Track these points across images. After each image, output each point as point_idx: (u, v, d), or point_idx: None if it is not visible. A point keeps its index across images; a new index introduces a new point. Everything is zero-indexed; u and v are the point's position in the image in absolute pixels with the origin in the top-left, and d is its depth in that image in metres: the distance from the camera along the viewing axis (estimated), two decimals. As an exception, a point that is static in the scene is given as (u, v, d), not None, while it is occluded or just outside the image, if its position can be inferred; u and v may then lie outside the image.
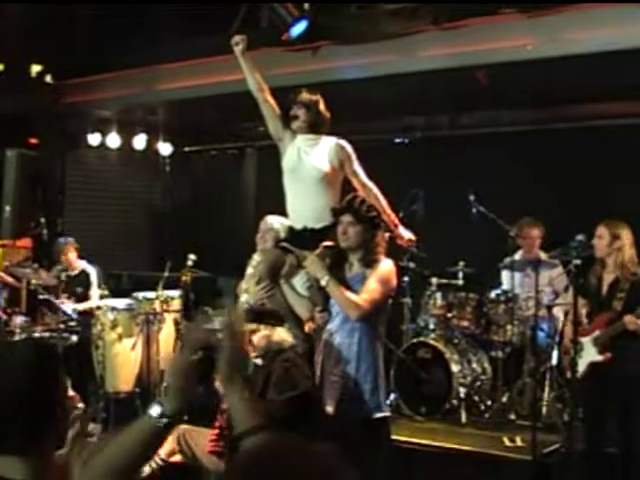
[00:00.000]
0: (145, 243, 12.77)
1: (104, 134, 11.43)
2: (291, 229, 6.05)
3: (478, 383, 8.11)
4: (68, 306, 9.10)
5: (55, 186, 11.43)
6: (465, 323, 8.31)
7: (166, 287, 8.59)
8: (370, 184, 5.80)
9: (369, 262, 5.07)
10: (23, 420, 2.24)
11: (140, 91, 10.13)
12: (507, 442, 7.03)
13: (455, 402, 7.85)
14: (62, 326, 8.45)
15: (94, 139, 11.40)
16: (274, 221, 6.80)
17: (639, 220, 6.41)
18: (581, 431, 6.32)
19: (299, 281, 5.75)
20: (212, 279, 10.06)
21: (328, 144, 5.84)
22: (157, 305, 8.54)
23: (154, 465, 5.75)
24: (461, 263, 8.57)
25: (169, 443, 5.84)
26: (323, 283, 5.03)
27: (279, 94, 6.05)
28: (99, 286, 9.58)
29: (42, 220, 10.05)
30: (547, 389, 7.60)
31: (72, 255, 9.58)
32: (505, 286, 8.29)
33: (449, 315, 8.31)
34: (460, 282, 8.52)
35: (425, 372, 7.97)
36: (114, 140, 11.49)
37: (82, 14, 10.53)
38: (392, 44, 8.04)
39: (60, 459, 2.47)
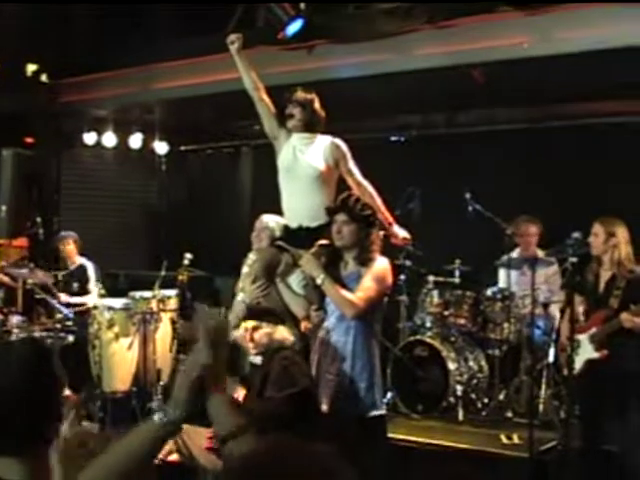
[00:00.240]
0: (141, 242, 12.76)
1: (100, 133, 11.42)
2: (286, 228, 6.05)
3: (475, 381, 8.12)
4: (65, 298, 9.16)
5: (51, 185, 11.42)
6: (462, 321, 8.31)
7: (162, 286, 8.58)
8: (365, 183, 5.80)
9: (364, 260, 5.08)
10: (20, 420, 2.24)
11: (136, 90, 10.13)
12: (504, 440, 7.03)
13: (452, 400, 7.86)
14: (58, 326, 8.44)
15: (90, 138, 11.39)
16: (269, 220, 6.80)
17: (634, 217, 6.43)
18: (578, 428, 6.32)
19: (295, 280, 5.75)
20: (208, 278, 10.07)
21: (323, 143, 5.84)
22: (154, 304, 8.53)
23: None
24: (457, 261, 8.58)
25: (167, 443, 5.84)
26: (319, 281, 5.04)
27: (275, 93, 6.05)
28: (97, 281, 9.60)
29: (38, 219, 10.04)
30: (544, 387, 7.60)
31: (71, 247, 9.63)
32: (502, 284, 8.29)
33: (446, 313, 8.32)
34: (457, 280, 8.53)
35: (422, 370, 7.98)
36: (110, 139, 11.48)
37: (78, 13, 10.52)
38: (387, 43, 8.03)
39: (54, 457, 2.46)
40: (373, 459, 4.92)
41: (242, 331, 5.36)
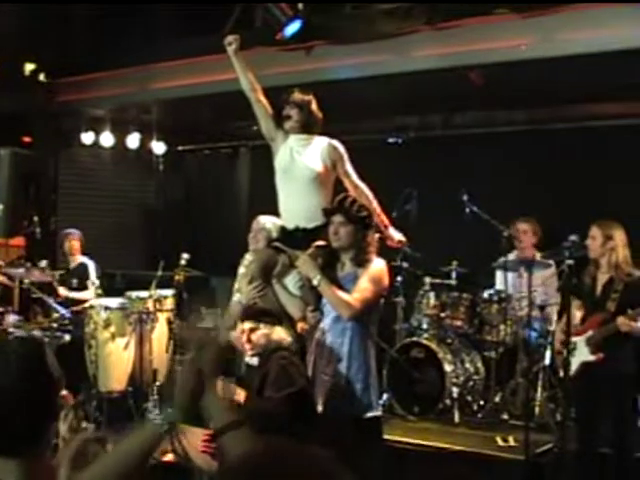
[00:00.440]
0: (138, 242, 12.75)
1: (98, 133, 11.41)
2: (283, 229, 6.04)
3: (471, 383, 8.12)
4: (63, 291, 9.18)
5: (48, 185, 11.40)
6: (458, 323, 8.32)
7: (159, 286, 8.58)
8: (362, 185, 5.80)
9: (361, 262, 5.08)
10: (17, 420, 2.24)
11: (134, 90, 10.12)
12: (500, 442, 7.04)
13: (448, 402, 7.86)
14: (55, 325, 8.43)
15: (87, 138, 11.39)
16: (266, 221, 6.79)
17: (633, 220, 6.44)
18: (573, 431, 6.32)
19: (291, 281, 5.75)
20: (205, 278, 10.05)
21: (320, 144, 5.84)
22: (150, 304, 8.54)
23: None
24: (454, 263, 8.59)
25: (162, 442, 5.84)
26: (315, 282, 5.03)
27: (273, 94, 6.04)
28: (97, 279, 9.63)
29: (35, 219, 10.02)
30: (540, 389, 7.61)
31: (75, 245, 9.71)
32: (498, 286, 8.30)
33: (442, 315, 8.32)
34: (453, 282, 8.54)
35: (418, 372, 7.98)
36: (107, 139, 11.47)
37: (76, 13, 10.51)
38: (386, 44, 8.03)
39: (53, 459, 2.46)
40: (369, 461, 4.91)
41: (238, 332, 5.36)
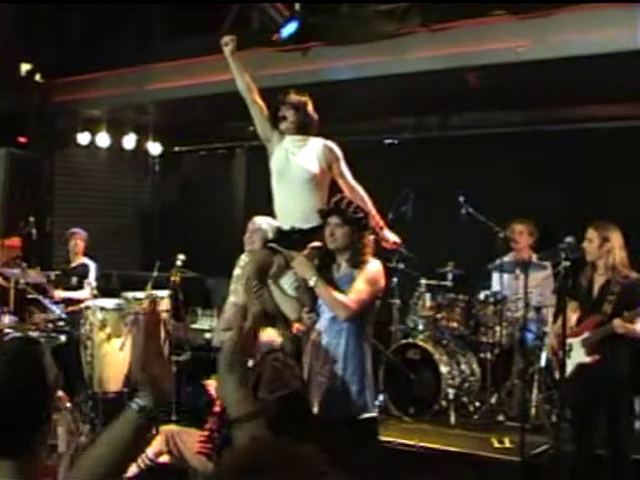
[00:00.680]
0: (134, 243, 12.76)
1: (94, 133, 11.41)
2: (279, 230, 6.03)
3: (467, 384, 8.12)
4: (58, 293, 9.18)
5: (44, 185, 11.41)
6: (454, 324, 8.32)
7: (155, 287, 8.57)
8: (357, 186, 5.80)
9: (357, 263, 5.08)
10: (12, 421, 2.23)
11: (130, 91, 10.12)
12: (496, 443, 7.04)
13: (444, 403, 7.86)
14: (50, 326, 8.42)
15: (83, 138, 11.39)
16: (262, 222, 6.79)
17: (630, 222, 6.44)
18: (569, 432, 6.32)
19: (287, 282, 5.74)
20: (201, 279, 10.06)
21: (316, 145, 5.83)
22: (146, 305, 8.52)
23: (142, 465, 5.74)
24: (450, 264, 8.58)
25: (157, 444, 5.84)
26: (311, 283, 5.03)
27: (269, 94, 6.04)
28: (96, 280, 9.63)
29: (31, 219, 10.01)
30: (535, 390, 7.62)
31: (78, 244, 9.73)
32: (494, 287, 8.30)
33: (438, 316, 8.32)
34: (449, 283, 8.53)
35: (414, 373, 7.98)
36: (104, 139, 11.47)
37: (73, 13, 10.51)
38: (382, 45, 8.04)
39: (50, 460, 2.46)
40: (365, 462, 4.91)
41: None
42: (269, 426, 2.29)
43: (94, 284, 9.57)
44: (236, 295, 6.65)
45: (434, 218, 8.98)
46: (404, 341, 8.30)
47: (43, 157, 11.39)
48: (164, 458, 5.84)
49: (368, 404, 5.08)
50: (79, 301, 9.21)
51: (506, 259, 8.16)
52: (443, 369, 7.89)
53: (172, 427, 5.98)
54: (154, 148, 12.12)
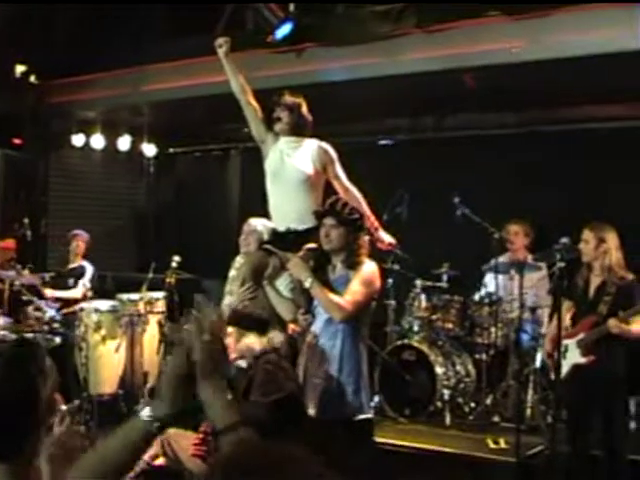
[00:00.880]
0: (129, 244, 12.74)
1: (88, 135, 11.39)
2: (274, 231, 6.04)
3: (462, 385, 8.12)
4: (50, 292, 9.16)
5: (39, 187, 11.41)
6: (449, 325, 8.32)
7: (150, 288, 8.57)
8: (352, 188, 5.80)
9: (352, 264, 5.07)
10: (4, 425, 2.22)
11: (125, 92, 10.11)
12: (491, 444, 7.03)
13: (439, 404, 7.86)
14: (45, 328, 8.40)
15: (78, 140, 11.37)
16: (257, 223, 6.79)
17: (627, 223, 6.44)
18: (564, 433, 6.32)
19: (282, 283, 5.74)
20: (196, 281, 10.03)
21: (311, 147, 5.83)
22: (141, 307, 8.52)
23: (137, 468, 5.73)
24: (445, 265, 8.57)
25: (153, 446, 5.83)
26: (306, 285, 5.03)
27: (264, 96, 6.04)
28: (90, 282, 9.62)
29: (26, 221, 10.01)
30: (531, 391, 7.62)
31: (81, 245, 9.71)
32: (489, 288, 8.29)
33: (433, 317, 8.32)
34: (444, 284, 8.52)
35: (409, 374, 7.97)
36: (98, 141, 11.45)
37: (67, 14, 10.49)
38: (377, 46, 8.04)
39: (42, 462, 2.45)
40: (360, 463, 4.91)
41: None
42: (264, 429, 2.27)
43: (89, 285, 9.56)
44: (231, 296, 6.65)
45: (429, 219, 8.98)
46: (399, 342, 8.29)
47: (38, 158, 11.38)
48: (160, 461, 5.82)
49: (364, 405, 5.08)
50: (70, 300, 9.19)
51: (501, 260, 8.16)
52: (438, 370, 7.89)
53: (168, 430, 5.97)
54: (149, 149, 12.10)
